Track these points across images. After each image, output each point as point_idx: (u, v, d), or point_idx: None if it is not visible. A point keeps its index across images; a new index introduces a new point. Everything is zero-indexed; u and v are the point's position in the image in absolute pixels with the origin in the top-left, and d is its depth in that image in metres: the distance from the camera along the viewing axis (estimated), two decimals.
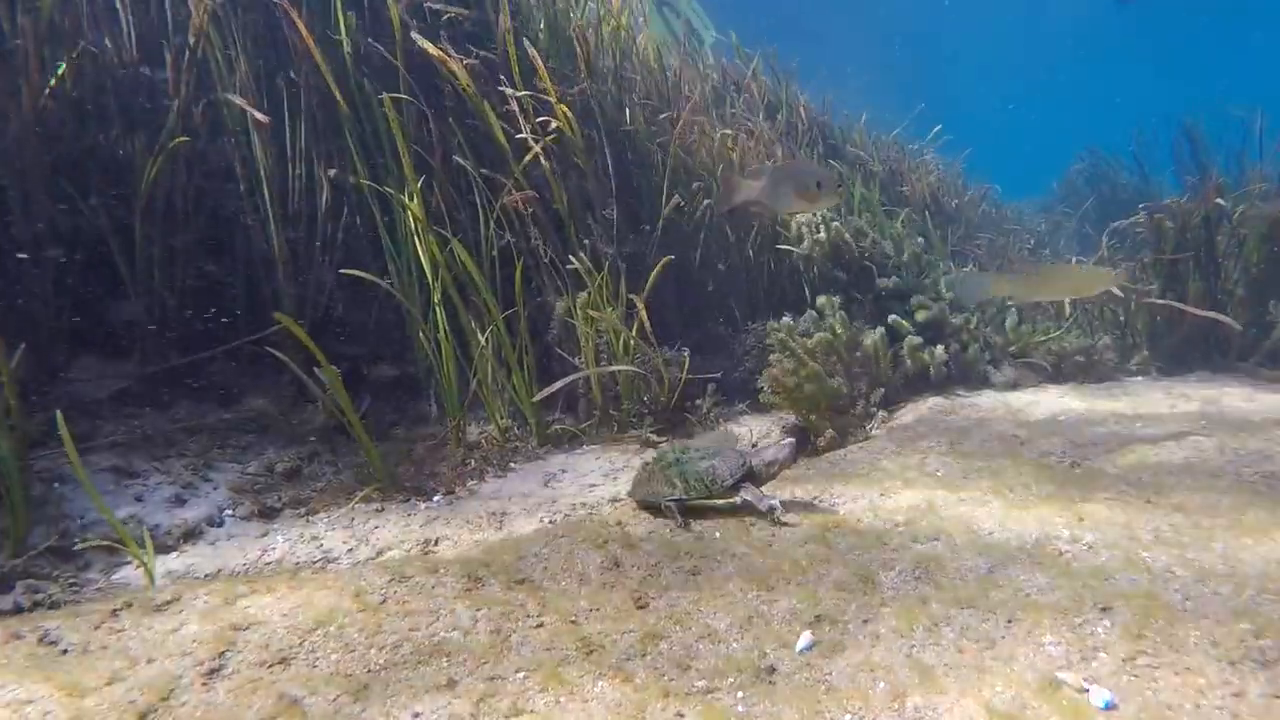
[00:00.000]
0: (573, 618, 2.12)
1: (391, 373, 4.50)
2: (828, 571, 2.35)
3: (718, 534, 2.74)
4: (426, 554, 2.92)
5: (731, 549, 2.57)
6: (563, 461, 3.87)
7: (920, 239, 6.08)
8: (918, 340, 4.67)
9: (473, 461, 3.85)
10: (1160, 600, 2.06)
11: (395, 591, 2.22)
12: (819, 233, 5.18)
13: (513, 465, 3.86)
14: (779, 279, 5.59)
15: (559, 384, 3.81)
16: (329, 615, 2.09)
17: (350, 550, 2.92)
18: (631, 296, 4.15)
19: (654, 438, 4.05)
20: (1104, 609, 2.03)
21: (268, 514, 3.18)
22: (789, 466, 3.11)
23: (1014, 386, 5.00)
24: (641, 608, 2.16)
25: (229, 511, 3.17)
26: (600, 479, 3.59)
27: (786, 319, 4.60)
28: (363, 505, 3.30)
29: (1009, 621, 2.01)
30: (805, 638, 1.98)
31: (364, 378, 4.42)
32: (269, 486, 3.36)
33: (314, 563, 2.85)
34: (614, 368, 4.11)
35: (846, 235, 5.18)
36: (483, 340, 4.02)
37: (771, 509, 2.79)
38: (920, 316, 4.97)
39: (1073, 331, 5.48)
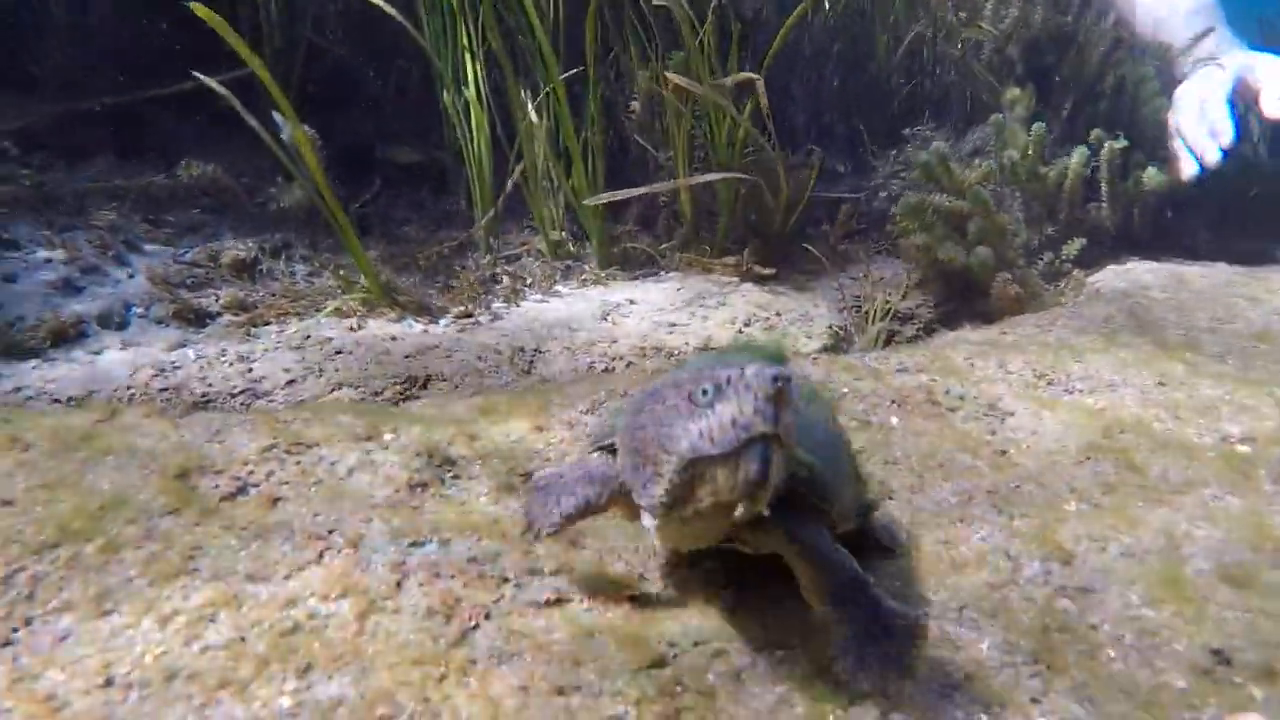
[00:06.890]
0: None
1: (413, 157, 3.36)
2: None
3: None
4: (399, 399, 1.87)
5: None
6: (630, 290, 2.73)
7: None
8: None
9: (505, 278, 2.75)
10: None
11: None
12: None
13: (559, 289, 2.75)
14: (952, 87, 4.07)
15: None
16: None
17: (290, 382, 1.89)
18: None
19: (761, 269, 2.84)
20: None
21: (193, 318, 2.17)
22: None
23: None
24: None
25: (139, 309, 2.16)
26: (684, 317, 2.45)
27: (938, 144, 3.13)
28: (334, 320, 2.26)
29: None
30: None
31: (373, 161, 3.30)
32: (205, 281, 2.34)
33: (231, 394, 1.83)
34: (706, 177, 2.84)
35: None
36: (530, 112, 2.81)
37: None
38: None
39: None
